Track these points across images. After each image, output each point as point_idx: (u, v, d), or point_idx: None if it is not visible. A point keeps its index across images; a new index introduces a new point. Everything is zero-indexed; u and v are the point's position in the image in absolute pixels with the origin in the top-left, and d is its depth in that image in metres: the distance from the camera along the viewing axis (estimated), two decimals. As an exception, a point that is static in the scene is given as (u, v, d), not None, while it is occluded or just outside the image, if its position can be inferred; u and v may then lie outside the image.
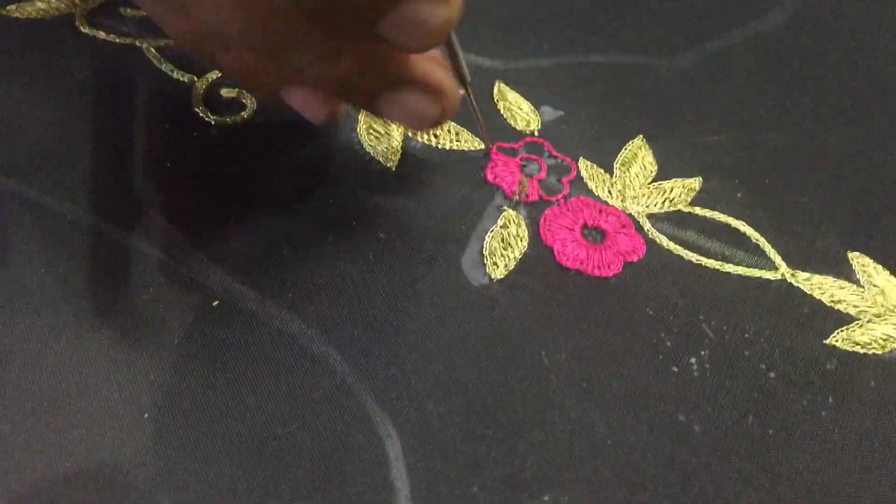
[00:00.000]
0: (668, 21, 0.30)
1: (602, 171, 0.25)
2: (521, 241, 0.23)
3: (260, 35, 0.19)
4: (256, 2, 0.19)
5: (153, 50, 0.27)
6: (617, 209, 0.24)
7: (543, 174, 0.24)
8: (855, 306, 0.22)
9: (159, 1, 0.20)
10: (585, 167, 0.25)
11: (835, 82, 0.29)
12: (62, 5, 0.28)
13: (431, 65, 0.21)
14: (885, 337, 0.22)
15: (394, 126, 0.25)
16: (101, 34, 0.28)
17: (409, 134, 0.25)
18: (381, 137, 0.25)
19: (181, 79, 0.26)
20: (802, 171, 0.26)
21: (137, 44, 0.27)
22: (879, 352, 0.22)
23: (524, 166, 0.25)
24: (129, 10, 0.28)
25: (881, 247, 0.24)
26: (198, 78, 0.26)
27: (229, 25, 0.19)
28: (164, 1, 0.20)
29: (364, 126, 0.25)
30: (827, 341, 0.22)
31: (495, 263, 0.23)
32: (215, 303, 0.22)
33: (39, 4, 0.28)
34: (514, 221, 0.23)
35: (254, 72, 0.21)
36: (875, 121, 0.28)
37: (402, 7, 0.18)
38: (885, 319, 0.22)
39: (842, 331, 0.22)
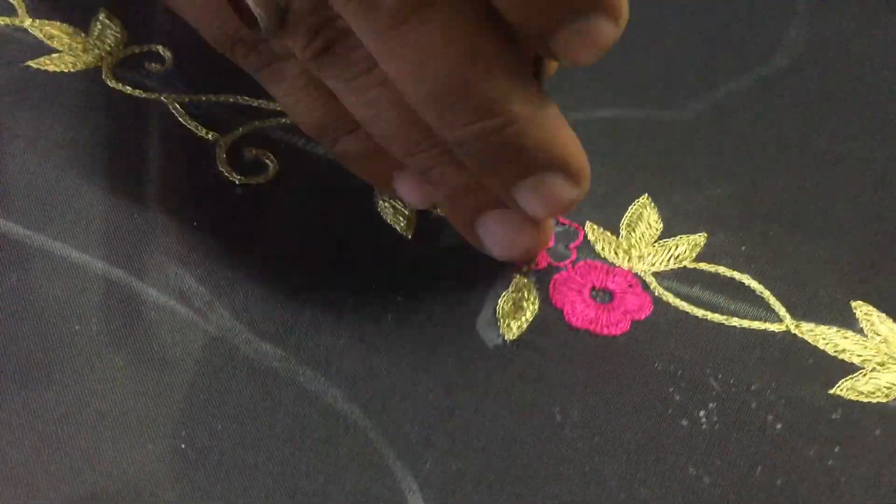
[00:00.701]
0: (671, 73, 0.31)
1: (608, 233, 0.26)
2: (533, 304, 0.24)
3: (399, 136, 0.21)
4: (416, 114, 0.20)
5: (178, 106, 0.29)
6: (623, 270, 0.25)
7: (552, 243, 0.26)
8: (858, 355, 0.23)
9: (300, 87, 0.22)
10: (592, 230, 0.26)
11: (838, 126, 0.29)
12: (90, 59, 0.30)
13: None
14: (888, 385, 0.22)
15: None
16: (128, 89, 0.29)
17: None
18: (398, 206, 0.26)
19: (206, 136, 0.28)
20: (806, 220, 0.27)
21: (163, 99, 0.29)
22: (884, 400, 0.22)
23: (532, 237, 0.26)
24: (154, 64, 0.30)
25: (885, 295, 0.25)
26: (222, 136, 0.28)
27: (374, 122, 0.21)
28: (304, 87, 0.22)
29: (382, 195, 0.27)
30: (832, 391, 0.23)
31: (508, 325, 0.24)
32: (241, 361, 0.23)
33: (68, 58, 0.30)
34: (524, 286, 0.25)
35: (373, 156, 0.23)
36: (878, 167, 0.28)
37: (545, 178, 0.20)
38: (889, 368, 0.23)
39: (846, 380, 0.23)
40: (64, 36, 0.30)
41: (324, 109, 0.23)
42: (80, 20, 0.31)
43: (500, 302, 0.24)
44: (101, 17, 0.31)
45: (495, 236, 0.23)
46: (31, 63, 0.29)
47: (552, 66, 0.23)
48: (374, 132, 0.22)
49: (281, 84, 0.23)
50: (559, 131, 0.20)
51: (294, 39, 0.21)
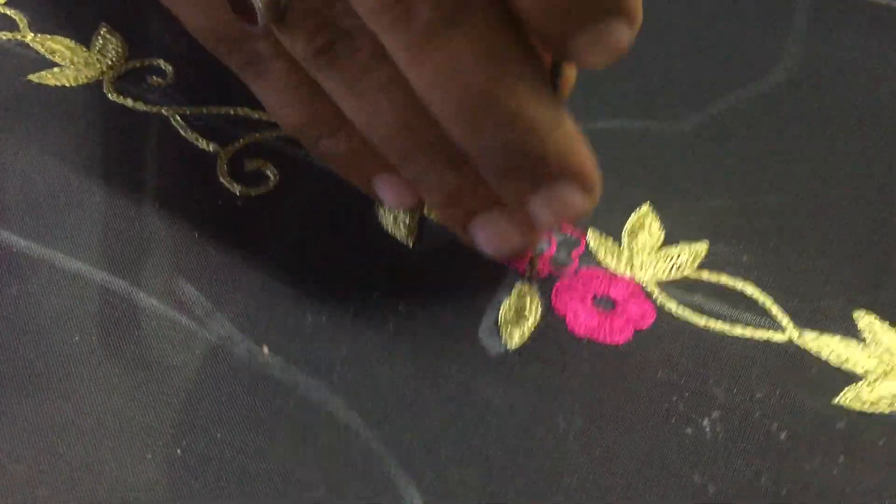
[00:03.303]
0: (671, 85, 0.31)
1: (610, 240, 0.26)
2: (535, 312, 0.24)
3: (397, 141, 0.21)
4: (422, 119, 0.20)
5: (178, 118, 0.29)
6: (625, 278, 0.25)
7: (553, 251, 0.26)
8: (862, 365, 0.23)
9: (284, 87, 0.22)
10: (594, 238, 0.26)
11: (838, 139, 0.30)
12: (91, 73, 0.30)
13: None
14: (892, 395, 0.22)
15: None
16: (129, 102, 0.29)
17: (426, 213, 0.27)
18: (398, 215, 0.26)
19: (206, 147, 0.28)
20: (807, 231, 0.27)
21: (164, 112, 0.29)
22: (887, 410, 0.22)
23: (535, 244, 0.26)
24: (155, 78, 0.30)
25: (887, 305, 0.25)
26: (223, 147, 0.28)
27: (371, 124, 0.21)
28: (288, 87, 0.22)
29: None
30: (835, 401, 0.22)
31: (510, 334, 0.24)
32: (241, 370, 0.23)
33: (69, 72, 0.30)
34: (527, 293, 0.25)
35: (356, 157, 0.23)
36: (877, 178, 0.28)
37: (559, 187, 0.20)
38: (892, 378, 0.23)
39: (850, 390, 0.23)
40: (65, 50, 0.30)
41: (308, 109, 0.23)
42: (81, 35, 0.31)
43: (503, 309, 0.24)
44: (102, 32, 0.31)
45: (489, 237, 0.22)
46: (31, 77, 0.29)
47: (570, 79, 0.23)
48: (370, 135, 0.22)
49: (264, 83, 0.23)
50: (576, 144, 0.20)
51: (294, 36, 0.20)
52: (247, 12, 0.20)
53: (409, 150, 0.21)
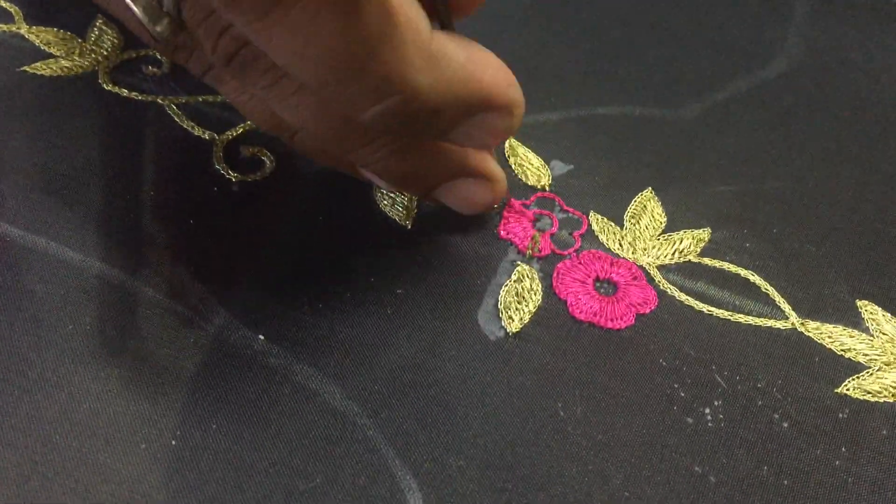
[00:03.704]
0: (673, 73, 0.31)
1: (612, 223, 0.26)
2: (535, 294, 0.24)
3: (333, 136, 0.20)
4: (335, 112, 0.20)
5: (174, 107, 0.28)
6: (628, 261, 0.25)
7: (555, 229, 0.25)
8: (865, 354, 0.23)
9: (241, 89, 0.22)
10: (596, 220, 0.25)
11: (839, 129, 0.29)
12: (86, 63, 0.29)
13: (484, 155, 0.23)
14: (895, 385, 0.22)
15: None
16: (124, 91, 0.28)
17: None
18: (396, 196, 0.26)
19: (202, 135, 0.27)
20: (809, 220, 0.26)
21: (159, 101, 0.28)
22: (891, 400, 0.22)
23: (536, 221, 0.25)
24: (150, 68, 0.29)
25: (890, 295, 0.24)
26: (218, 135, 0.27)
27: (307, 125, 0.20)
28: (245, 93, 0.22)
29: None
30: (838, 390, 0.22)
31: (510, 317, 0.23)
32: (237, 358, 0.22)
33: (64, 62, 0.29)
34: (527, 276, 0.24)
35: (328, 155, 0.23)
36: (880, 167, 0.28)
37: (473, 120, 0.20)
38: (895, 367, 0.23)
39: (853, 379, 0.22)
40: (60, 42, 0.30)
41: (270, 109, 0.21)
42: (76, 27, 0.31)
43: (503, 293, 0.24)
44: (98, 24, 0.31)
45: (453, 202, 0.23)
46: (26, 68, 0.29)
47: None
48: (311, 135, 0.21)
49: (224, 87, 0.22)
50: (474, 76, 0.19)
51: (205, 45, 0.19)
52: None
53: (346, 146, 0.21)
